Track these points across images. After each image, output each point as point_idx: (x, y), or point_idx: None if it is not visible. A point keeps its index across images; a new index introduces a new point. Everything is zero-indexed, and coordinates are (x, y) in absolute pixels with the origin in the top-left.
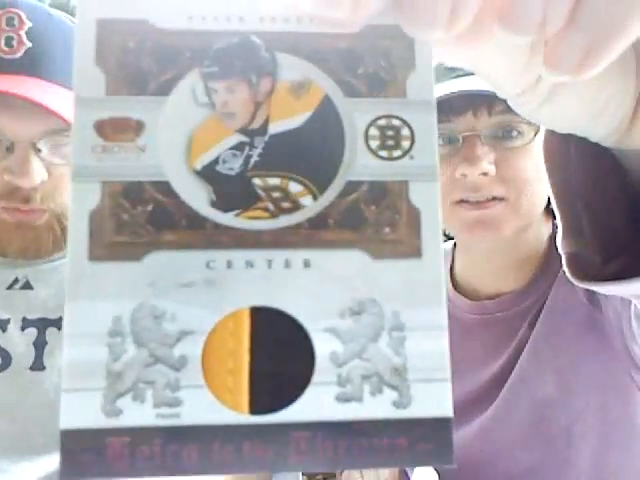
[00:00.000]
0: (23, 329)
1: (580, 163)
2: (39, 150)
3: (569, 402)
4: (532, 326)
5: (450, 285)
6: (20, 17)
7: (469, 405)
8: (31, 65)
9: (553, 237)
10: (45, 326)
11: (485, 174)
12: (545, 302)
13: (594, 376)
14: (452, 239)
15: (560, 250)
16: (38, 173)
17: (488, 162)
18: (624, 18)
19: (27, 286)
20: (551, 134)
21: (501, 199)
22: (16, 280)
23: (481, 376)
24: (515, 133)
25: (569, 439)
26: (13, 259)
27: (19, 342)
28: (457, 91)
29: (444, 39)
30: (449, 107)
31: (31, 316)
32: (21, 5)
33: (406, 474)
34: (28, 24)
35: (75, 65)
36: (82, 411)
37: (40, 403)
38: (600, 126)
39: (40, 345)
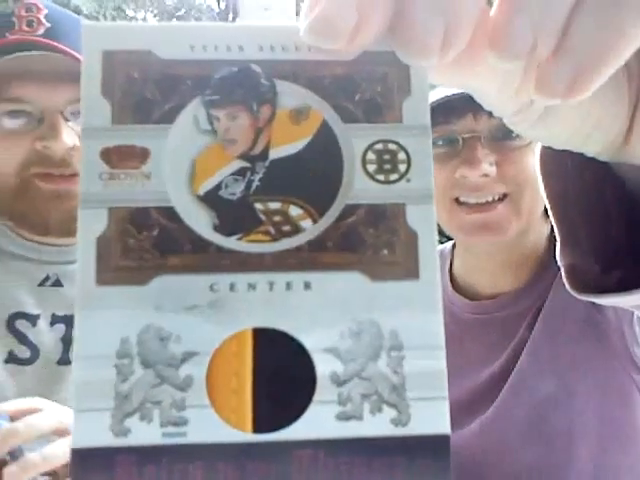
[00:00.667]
0: (52, 324)
1: (576, 173)
2: (67, 120)
3: (569, 402)
4: (531, 326)
5: (449, 284)
6: (37, 5)
7: (469, 405)
8: (53, 38)
9: (552, 237)
10: (72, 322)
11: (486, 175)
12: (544, 302)
13: (594, 376)
14: (452, 239)
15: (559, 261)
16: (68, 136)
17: (489, 164)
18: (613, 43)
19: (57, 284)
20: (546, 146)
21: (502, 197)
22: (47, 277)
23: (481, 376)
24: (515, 134)
25: (569, 439)
26: (54, 238)
27: (48, 337)
28: (457, 93)
29: (438, 65)
30: (449, 109)
31: (60, 312)
32: None
33: None
34: (45, 11)
35: (82, 96)
36: (92, 430)
37: (66, 396)
38: (594, 143)
39: (68, 341)
